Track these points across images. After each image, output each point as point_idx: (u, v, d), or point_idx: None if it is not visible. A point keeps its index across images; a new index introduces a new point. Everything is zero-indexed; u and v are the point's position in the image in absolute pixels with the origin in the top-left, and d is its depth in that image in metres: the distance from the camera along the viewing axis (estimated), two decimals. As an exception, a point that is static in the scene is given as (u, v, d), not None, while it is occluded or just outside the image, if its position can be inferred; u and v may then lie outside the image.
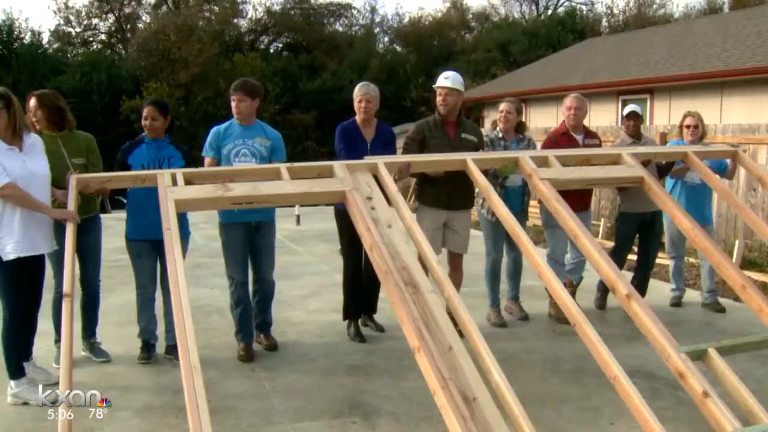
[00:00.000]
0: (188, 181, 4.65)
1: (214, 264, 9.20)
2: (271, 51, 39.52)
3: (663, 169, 7.02)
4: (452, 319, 3.95)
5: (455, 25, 42.30)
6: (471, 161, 5.15)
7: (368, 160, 5.06)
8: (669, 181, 7.23)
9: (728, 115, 13.70)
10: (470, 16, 44.77)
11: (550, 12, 43.93)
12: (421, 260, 4.38)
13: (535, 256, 4.46)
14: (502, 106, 6.81)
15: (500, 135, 6.77)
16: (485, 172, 5.26)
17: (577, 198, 6.53)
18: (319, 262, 10.10)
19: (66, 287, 4.11)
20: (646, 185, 5.28)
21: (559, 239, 6.90)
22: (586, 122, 7.19)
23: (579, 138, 6.85)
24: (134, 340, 5.93)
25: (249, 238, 5.86)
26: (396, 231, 4.34)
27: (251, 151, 5.74)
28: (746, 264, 9.70)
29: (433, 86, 6.42)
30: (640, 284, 7.17)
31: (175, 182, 4.57)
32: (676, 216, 5.14)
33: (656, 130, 11.98)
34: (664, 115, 14.99)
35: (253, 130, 5.87)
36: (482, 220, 6.94)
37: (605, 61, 20.36)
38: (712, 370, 3.97)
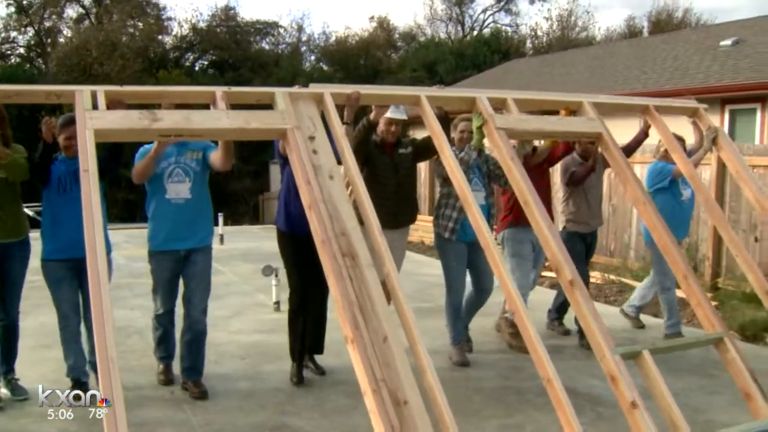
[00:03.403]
0: (111, 102, 3.97)
1: (136, 284, 9.01)
2: (197, 68, 39.02)
3: None
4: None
5: (382, 45, 42.43)
6: (425, 97, 4.67)
7: (314, 88, 4.52)
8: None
9: (650, 136, 14.02)
10: (397, 36, 45.08)
11: (475, 33, 44.53)
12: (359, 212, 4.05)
13: (499, 263, 4.14)
14: (462, 125, 6.27)
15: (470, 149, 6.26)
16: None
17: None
18: (242, 282, 9.96)
19: None
20: (603, 143, 5.00)
21: (524, 270, 6.72)
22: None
23: None
24: (49, 364, 5.72)
25: (178, 268, 5.47)
26: (338, 183, 3.99)
27: (184, 170, 5.40)
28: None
29: (385, 115, 6.01)
30: (565, 303, 7.11)
31: (95, 105, 3.86)
32: (638, 200, 4.88)
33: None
34: (586, 135, 15.24)
35: (183, 145, 5.43)
36: (439, 242, 6.51)
37: (529, 82, 20.73)
38: (644, 372, 3.92)
